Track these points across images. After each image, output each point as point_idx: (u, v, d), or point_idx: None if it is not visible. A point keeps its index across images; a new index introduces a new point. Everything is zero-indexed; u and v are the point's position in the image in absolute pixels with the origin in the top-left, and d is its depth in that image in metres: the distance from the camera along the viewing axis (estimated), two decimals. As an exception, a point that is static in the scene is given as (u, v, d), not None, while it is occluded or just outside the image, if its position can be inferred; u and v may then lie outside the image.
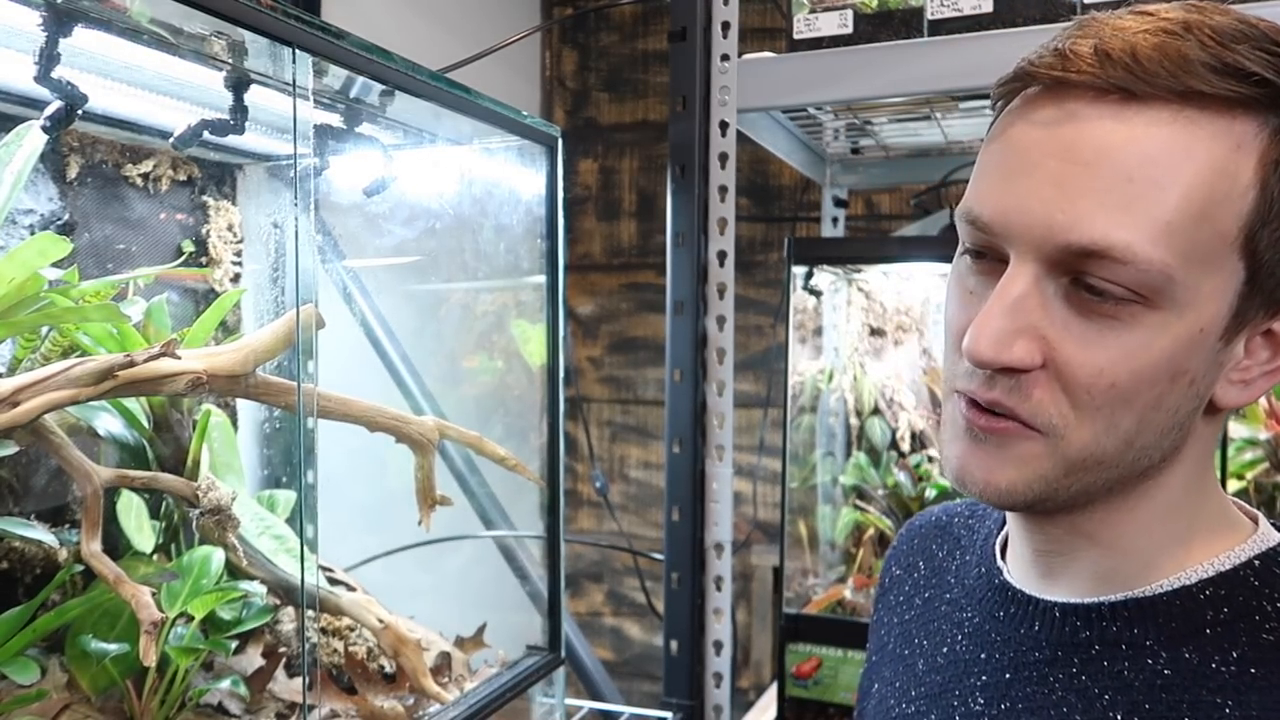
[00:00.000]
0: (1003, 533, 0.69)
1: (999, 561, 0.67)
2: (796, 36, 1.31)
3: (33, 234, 0.93)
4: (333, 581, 1.07)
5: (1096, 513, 0.58)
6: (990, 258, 0.55)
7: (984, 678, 0.63)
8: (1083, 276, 0.50)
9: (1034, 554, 0.62)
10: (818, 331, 1.68)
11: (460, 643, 1.14)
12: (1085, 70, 0.50)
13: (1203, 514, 0.59)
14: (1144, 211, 0.48)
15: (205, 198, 1.17)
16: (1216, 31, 0.49)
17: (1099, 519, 0.58)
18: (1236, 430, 1.36)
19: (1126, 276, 0.48)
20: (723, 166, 1.40)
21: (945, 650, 0.67)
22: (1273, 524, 0.61)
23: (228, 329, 1.14)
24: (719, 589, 1.43)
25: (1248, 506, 0.62)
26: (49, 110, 0.75)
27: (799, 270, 1.54)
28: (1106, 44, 0.49)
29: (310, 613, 0.94)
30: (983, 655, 0.64)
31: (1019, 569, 0.65)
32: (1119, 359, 0.50)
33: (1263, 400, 1.38)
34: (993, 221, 0.53)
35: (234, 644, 0.96)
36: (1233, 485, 1.34)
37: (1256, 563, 0.56)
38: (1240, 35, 0.49)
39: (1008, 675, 0.61)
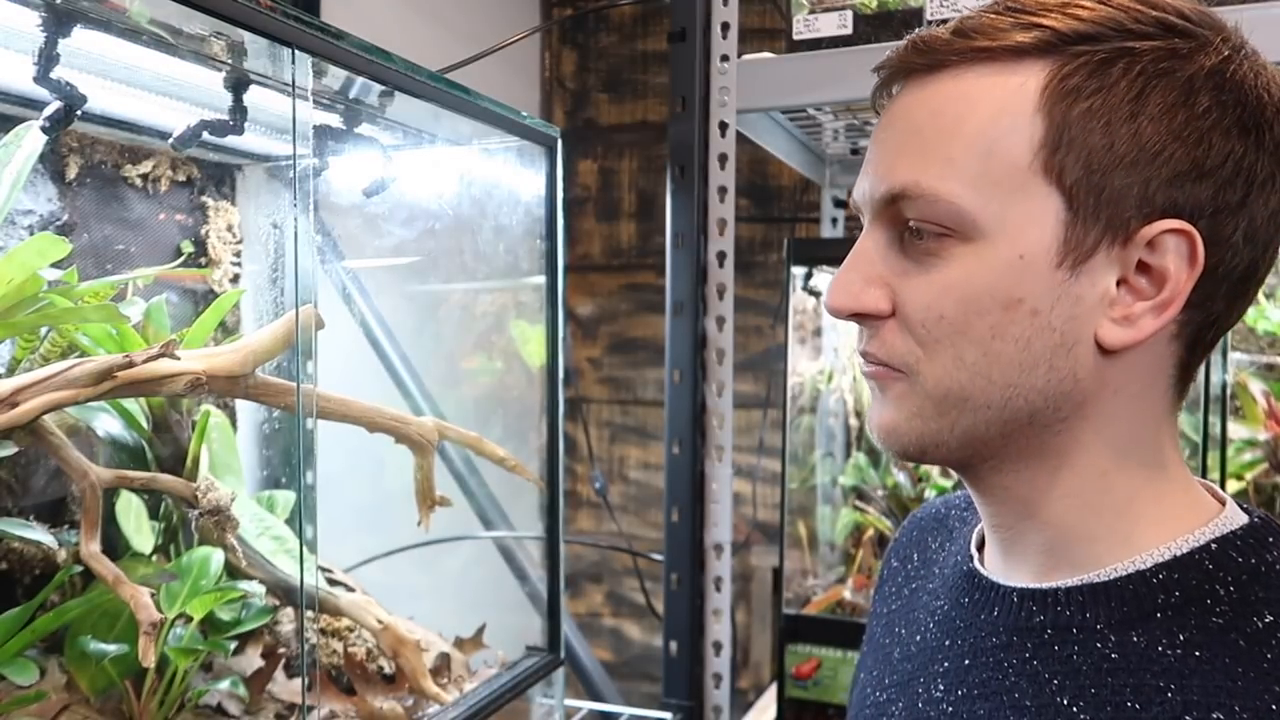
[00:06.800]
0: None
1: (972, 549, 0.68)
2: (796, 37, 1.31)
3: (32, 234, 0.93)
4: (332, 582, 1.07)
5: (1008, 471, 0.59)
6: None
7: (946, 664, 0.63)
8: (904, 223, 0.56)
9: (991, 533, 0.64)
10: (817, 332, 1.68)
11: (459, 643, 1.14)
12: (897, 61, 0.58)
13: (1149, 490, 0.58)
14: (931, 154, 0.55)
15: (204, 198, 1.16)
16: (1028, 4, 0.55)
17: (1024, 481, 0.58)
18: (1236, 430, 1.36)
19: (926, 210, 0.54)
20: (722, 167, 1.40)
21: (918, 639, 0.68)
22: (1242, 506, 0.60)
23: (227, 329, 1.14)
24: (718, 590, 1.43)
25: (1218, 489, 0.62)
26: (48, 110, 0.75)
27: (799, 271, 1.54)
28: (922, 35, 0.57)
29: (309, 613, 0.94)
30: (947, 642, 0.64)
31: (989, 556, 0.66)
32: (943, 291, 0.55)
33: (1262, 400, 1.38)
34: (853, 202, 0.61)
35: (233, 645, 0.96)
36: (1232, 485, 1.34)
37: (1213, 546, 0.56)
38: (1058, 5, 0.54)
39: (966, 661, 0.62)
